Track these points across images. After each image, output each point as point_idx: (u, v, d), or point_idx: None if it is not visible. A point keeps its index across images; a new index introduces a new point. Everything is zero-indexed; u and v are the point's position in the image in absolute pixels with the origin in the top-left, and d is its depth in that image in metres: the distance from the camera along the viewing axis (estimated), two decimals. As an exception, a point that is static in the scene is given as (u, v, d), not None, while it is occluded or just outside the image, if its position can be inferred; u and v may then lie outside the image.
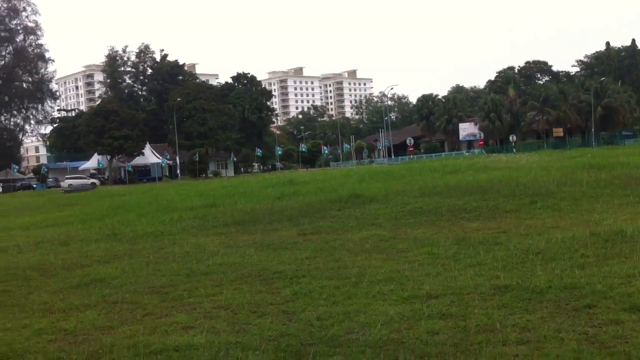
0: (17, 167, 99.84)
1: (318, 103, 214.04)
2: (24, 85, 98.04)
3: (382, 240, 12.30)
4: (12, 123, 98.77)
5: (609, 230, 10.81)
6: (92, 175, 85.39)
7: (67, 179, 73.48)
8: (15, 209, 36.28)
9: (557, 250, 9.62)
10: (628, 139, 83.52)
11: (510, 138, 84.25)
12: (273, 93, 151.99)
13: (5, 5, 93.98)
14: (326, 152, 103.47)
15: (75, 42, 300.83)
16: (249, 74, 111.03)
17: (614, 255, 9.08)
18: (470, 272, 8.63)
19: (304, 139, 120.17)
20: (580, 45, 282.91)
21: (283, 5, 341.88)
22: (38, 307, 8.65)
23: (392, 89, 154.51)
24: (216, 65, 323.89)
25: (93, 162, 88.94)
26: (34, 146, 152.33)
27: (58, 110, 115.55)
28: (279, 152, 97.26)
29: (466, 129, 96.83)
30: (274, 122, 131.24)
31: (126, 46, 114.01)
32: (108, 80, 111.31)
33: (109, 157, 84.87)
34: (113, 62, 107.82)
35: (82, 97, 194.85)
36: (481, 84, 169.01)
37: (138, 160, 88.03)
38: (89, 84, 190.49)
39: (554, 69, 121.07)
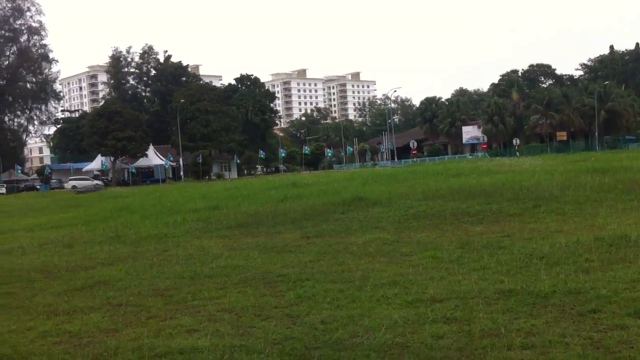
0: (20, 168, 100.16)
1: (321, 105, 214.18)
2: (28, 85, 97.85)
3: (386, 243, 12.26)
4: (15, 124, 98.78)
5: (613, 235, 10.77)
6: (95, 177, 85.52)
7: (70, 180, 73.55)
8: (19, 210, 36.37)
9: (561, 255, 9.60)
10: (632, 143, 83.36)
11: (514, 141, 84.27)
12: (276, 95, 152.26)
13: (9, 5, 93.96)
14: (329, 154, 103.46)
15: (79, 43, 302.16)
16: (252, 75, 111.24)
17: (618, 259, 9.06)
18: (475, 276, 8.62)
19: (307, 142, 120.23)
20: (582, 46, 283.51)
21: (286, 7, 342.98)
22: (42, 310, 8.66)
23: (395, 91, 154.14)
24: (220, 67, 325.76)
25: (97, 163, 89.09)
26: (37, 147, 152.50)
27: (62, 111, 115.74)
28: (282, 155, 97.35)
29: (469, 132, 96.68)
30: (277, 124, 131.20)
31: (130, 47, 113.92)
32: (112, 81, 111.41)
33: (112, 159, 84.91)
34: (117, 63, 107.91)
35: (85, 97, 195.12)
36: (483, 85, 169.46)
37: (141, 162, 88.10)
38: (92, 85, 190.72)
39: (558, 72, 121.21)
